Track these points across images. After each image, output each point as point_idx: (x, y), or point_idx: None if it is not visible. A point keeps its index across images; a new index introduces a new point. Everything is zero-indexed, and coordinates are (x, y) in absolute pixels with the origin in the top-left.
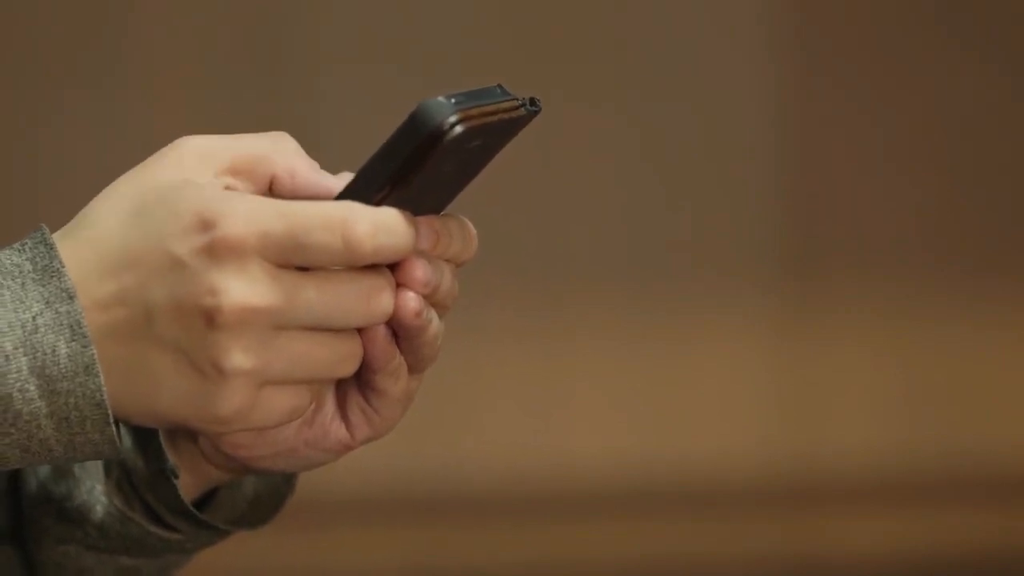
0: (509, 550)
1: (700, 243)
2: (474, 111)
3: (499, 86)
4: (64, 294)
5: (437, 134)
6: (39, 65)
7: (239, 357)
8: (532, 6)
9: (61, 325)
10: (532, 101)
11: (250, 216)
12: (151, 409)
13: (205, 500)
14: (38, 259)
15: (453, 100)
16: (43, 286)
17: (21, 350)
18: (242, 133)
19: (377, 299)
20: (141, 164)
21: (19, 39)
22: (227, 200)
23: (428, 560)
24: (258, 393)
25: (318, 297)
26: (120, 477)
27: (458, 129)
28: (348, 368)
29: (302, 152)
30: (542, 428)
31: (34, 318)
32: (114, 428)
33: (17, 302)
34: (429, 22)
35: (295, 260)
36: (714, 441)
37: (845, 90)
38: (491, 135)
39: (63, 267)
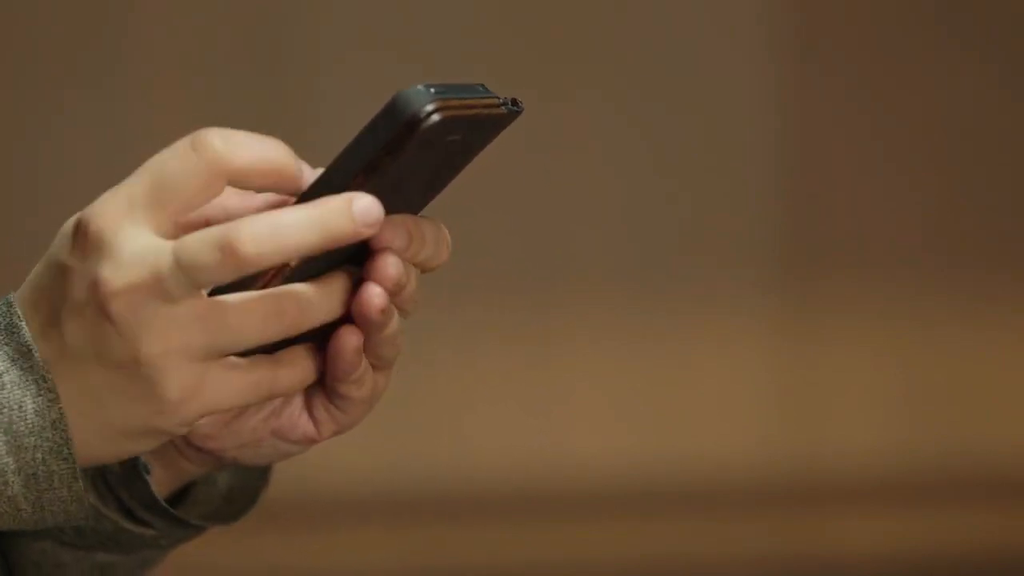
0: (508, 550)
1: (700, 243)
2: (453, 102)
3: (481, 85)
4: (24, 348)
5: (414, 121)
6: (39, 65)
7: (147, 342)
8: (532, 6)
9: (27, 381)
10: (514, 101)
11: (112, 198)
12: (110, 430)
13: (180, 496)
14: (0, 319)
15: (433, 89)
16: (7, 344)
17: None
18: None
19: (230, 248)
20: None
21: (19, 39)
22: (100, 199)
23: (427, 561)
24: (197, 369)
25: (174, 260)
26: (94, 474)
27: (435, 118)
28: (279, 329)
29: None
30: (541, 428)
31: (0, 375)
32: (81, 484)
33: None
34: (429, 22)
35: (162, 218)
36: (714, 441)
37: (845, 90)
38: (470, 131)
39: (22, 321)
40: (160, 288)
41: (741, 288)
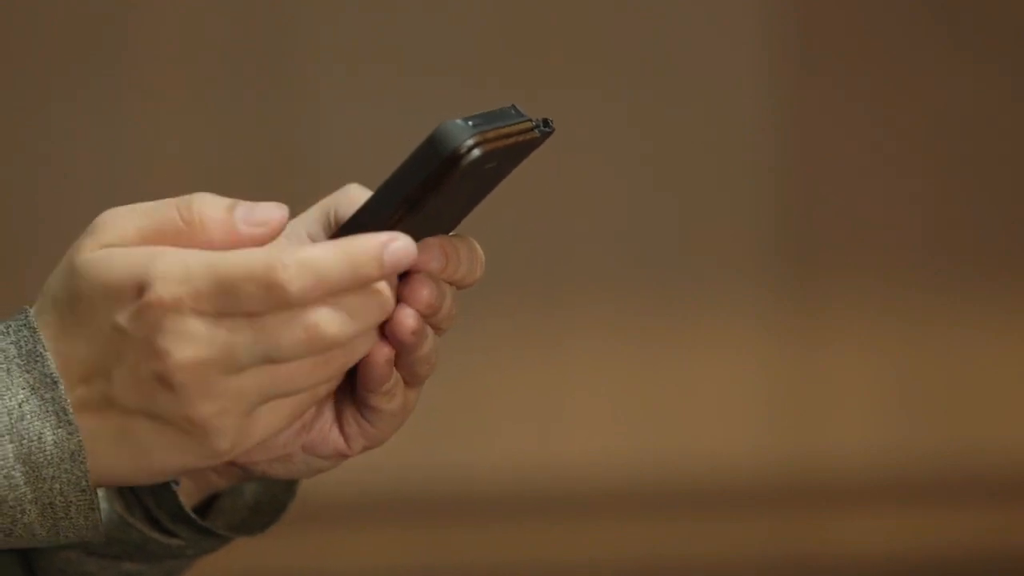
0: (508, 551)
1: (698, 244)
2: (491, 134)
3: (513, 106)
4: (48, 379)
5: (455, 157)
6: (39, 65)
7: (206, 407)
8: (531, 5)
9: (47, 412)
10: (546, 122)
11: (181, 275)
12: (150, 469)
13: (206, 506)
14: (22, 343)
15: (471, 123)
16: (28, 372)
17: (7, 437)
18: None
19: (317, 332)
20: (77, 241)
21: (19, 39)
22: (156, 260)
23: (428, 561)
24: (247, 420)
25: (255, 338)
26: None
27: (476, 152)
28: (328, 374)
29: (217, 209)
30: (540, 429)
31: (20, 405)
32: (98, 513)
33: (3, 388)
34: (428, 22)
35: (231, 310)
36: (713, 441)
37: (844, 92)
38: (505, 157)
39: (46, 352)
40: (232, 362)
41: (740, 289)
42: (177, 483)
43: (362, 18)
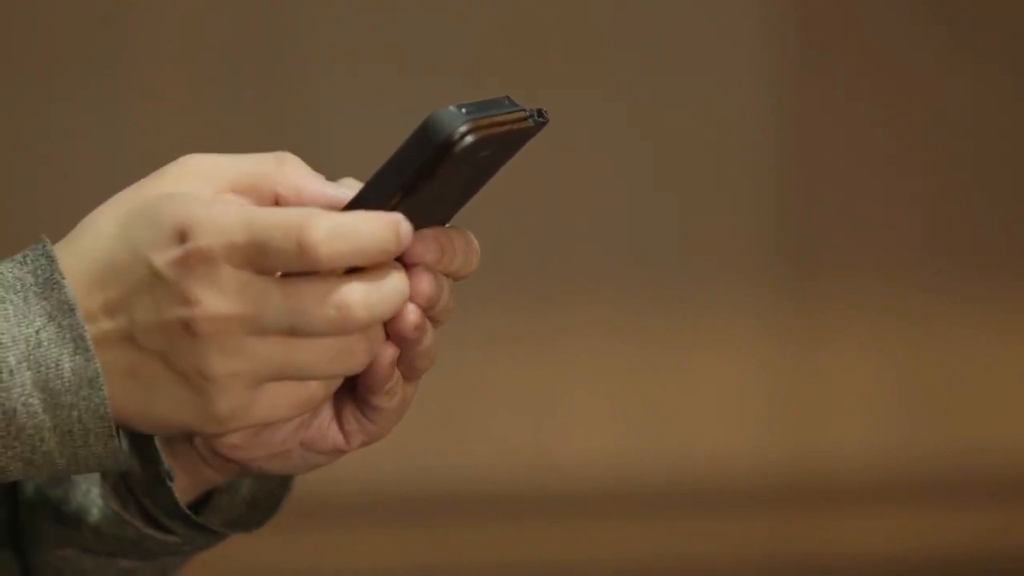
0: (507, 550)
1: (697, 244)
2: (484, 121)
3: (506, 97)
4: (65, 306)
5: (448, 143)
6: (39, 65)
7: (219, 363)
8: (531, 5)
9: (64, 339)
10: (540, 113)
11: (219, 225)
12: (148, 414)
13: (202, 502)
14: (39, 272)
15: (464, 110)
16: (45, 299)
17: (25, 364)
18: (246, 153)
19: (349, 312)
20: (144, 178)
21: (19, 39)
22: (203, 208)
23: (427, 560)
24: (253, 392)
25: (284, 303)
26: (116, 480)
27: (469, 139)
28: (347, 367)
29: (307, 169)
30: (539, 429)
31: (37, 332)
32: (117, 441)
33: (20, 316)
34: (429, 22)
35: (261, 266)
36: (713, 441)
37: (844, 92)
38: (499, 146)
39: (63, 279)
40: (258, 324)
41: (740, 289)
42: (172, 478)
43: (362, 18)
